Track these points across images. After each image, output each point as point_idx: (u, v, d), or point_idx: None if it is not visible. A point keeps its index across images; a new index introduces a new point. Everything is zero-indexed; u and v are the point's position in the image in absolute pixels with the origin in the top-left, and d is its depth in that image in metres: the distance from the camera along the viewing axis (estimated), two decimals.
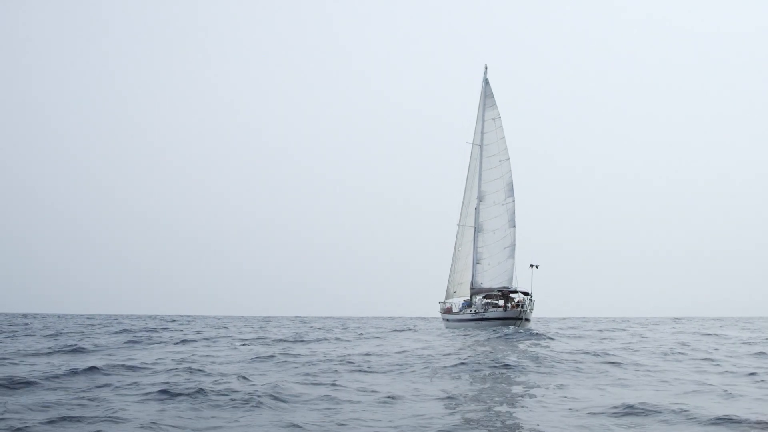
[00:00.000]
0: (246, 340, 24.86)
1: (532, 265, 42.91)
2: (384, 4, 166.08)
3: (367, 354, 18.26)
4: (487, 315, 42.77)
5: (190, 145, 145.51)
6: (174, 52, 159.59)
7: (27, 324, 42.05)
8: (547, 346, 20.18)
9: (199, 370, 13.45)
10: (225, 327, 41.43)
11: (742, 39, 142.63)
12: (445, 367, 14.40)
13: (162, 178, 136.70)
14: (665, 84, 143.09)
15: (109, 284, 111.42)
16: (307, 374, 13.27)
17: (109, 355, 17.66)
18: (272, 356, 17.17)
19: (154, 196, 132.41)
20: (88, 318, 71.60)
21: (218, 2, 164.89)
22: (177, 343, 23.12)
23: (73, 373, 12.76)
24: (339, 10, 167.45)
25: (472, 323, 43.01)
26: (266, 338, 25.68)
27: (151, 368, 13.99)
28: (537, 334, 27.06)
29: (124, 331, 31.70)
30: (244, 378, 12.27)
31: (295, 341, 23.96)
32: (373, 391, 10.94)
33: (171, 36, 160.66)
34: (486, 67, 46.29)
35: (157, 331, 31.78)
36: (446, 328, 46.10)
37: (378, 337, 27.43)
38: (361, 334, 30.84)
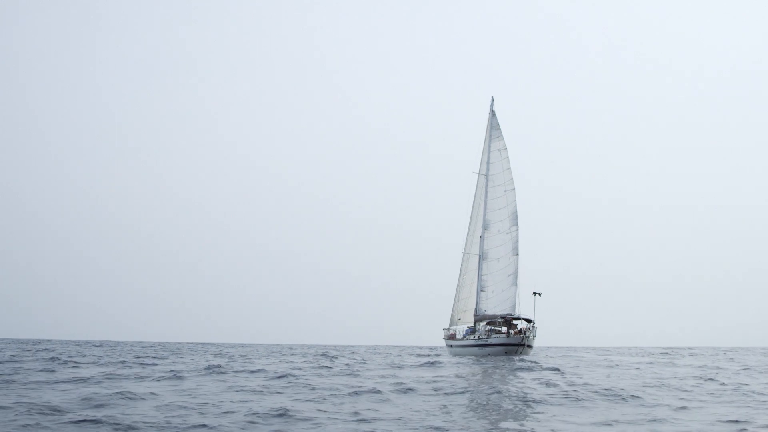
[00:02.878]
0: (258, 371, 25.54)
1: (534, 293, 43.93)
2: (391, 33, 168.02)
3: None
4: (490, 341, 43.64)
5: (197, 173, 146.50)
6: (171, 87, 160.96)
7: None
8: (574, 391, 20.09)
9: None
10: (230, 357, 42.17)
11: (746, 76, 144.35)
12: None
13: (166, 205, 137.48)
14: (670, 115, 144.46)
15: (110, 310, 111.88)
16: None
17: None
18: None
19: (157, 221, 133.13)
20: (96, 345, 72.00)
21: (217, 27, 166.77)
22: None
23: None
24: (343, 37, 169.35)
25: (475, 349, 43.87)
26: (269, 371, 25.87)
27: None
28: (550, 368, 27.28)
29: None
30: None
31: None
32: None
33: (161, 51, 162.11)
34: (492, 99, 47.64)
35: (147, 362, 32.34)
36: (450, 354, 46.94)
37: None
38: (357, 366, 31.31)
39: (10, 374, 20.59)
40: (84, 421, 11.34)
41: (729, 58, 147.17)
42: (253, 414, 12.34)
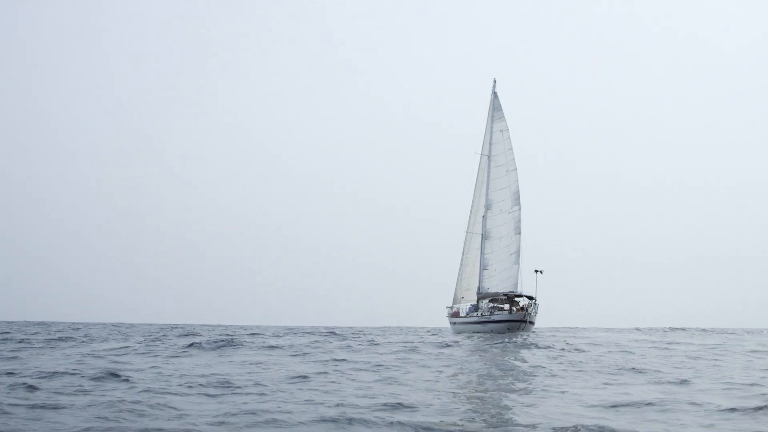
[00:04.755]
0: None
1: (536, 271, 44.88)
2: (393, 13, 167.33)
3: None
4: (492, 318, 44.69)
5: (195, 153, 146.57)
6: (176, 59, 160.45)
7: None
8: (582, 363, 20.95)
9: None
10: (230, 335, 42.98)
11: (752, 49, 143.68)
12: None
13: (166, 186, 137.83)
14: (675, 94, 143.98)
15: (112, 291, 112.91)
16: None
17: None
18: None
19: (158, 203, 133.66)
20: (114, 326, 72.89)
21: (222, 8, 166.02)
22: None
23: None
24: (347, 17, 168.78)
25: (478, 326, 44.94)
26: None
27: None
28: (548, 345, 27.94)
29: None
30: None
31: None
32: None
33: (170, 40, 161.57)
34: (495, 81, 48.27)
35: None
36: (453, 331, 47.99)
37: None
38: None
39: (17, 349, 21.55)
40: (91, 384, 12.21)
41: (747, 29, 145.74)
42: (273, 380, 13.22)
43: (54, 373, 14.23)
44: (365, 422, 9.09)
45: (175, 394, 11.62)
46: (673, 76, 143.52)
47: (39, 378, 13.36)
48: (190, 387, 12.45)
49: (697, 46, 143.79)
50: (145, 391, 11.81)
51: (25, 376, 13.57)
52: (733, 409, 10.29)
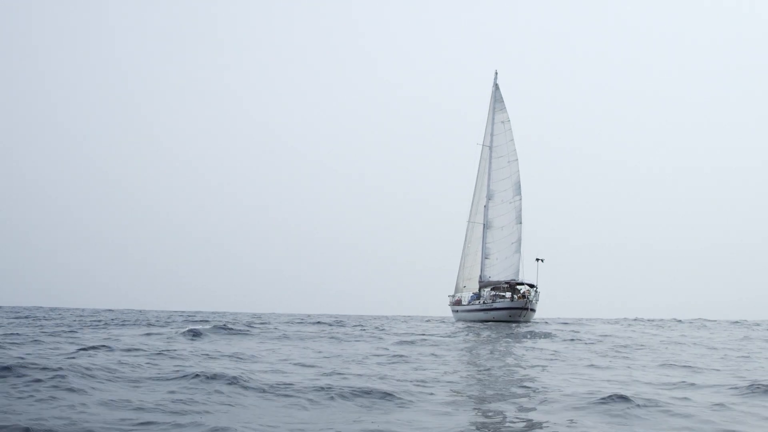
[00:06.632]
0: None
1: (537, 259, 45.71)
2: (398, 5, 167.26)
3: None
4: (494, 305, 45.52)
5: (200, 143, 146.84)
6: (184, 45, 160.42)
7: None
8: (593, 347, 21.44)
9: None
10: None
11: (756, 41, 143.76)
12: None
13: (172, 176, 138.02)
14: (676, 89, 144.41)
15: (114, 280, 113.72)
16: None
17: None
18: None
19: (165, 193, 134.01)
20: (122, 312, 73.65)
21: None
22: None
23: None
24: (353, 9, 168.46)
25: (481, 314, 45.76)
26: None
27: None
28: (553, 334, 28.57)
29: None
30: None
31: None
32: None
33: (183, 29, 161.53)
34: (496, 73, 48.94)
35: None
36: (455, 319, 48.83)
37: None
38: None
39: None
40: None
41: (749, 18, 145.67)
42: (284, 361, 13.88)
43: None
44: (384, 389, 9.72)
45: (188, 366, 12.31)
46: (673, 65, 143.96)
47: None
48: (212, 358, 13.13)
49: (705, 24, 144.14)
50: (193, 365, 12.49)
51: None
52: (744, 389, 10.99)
